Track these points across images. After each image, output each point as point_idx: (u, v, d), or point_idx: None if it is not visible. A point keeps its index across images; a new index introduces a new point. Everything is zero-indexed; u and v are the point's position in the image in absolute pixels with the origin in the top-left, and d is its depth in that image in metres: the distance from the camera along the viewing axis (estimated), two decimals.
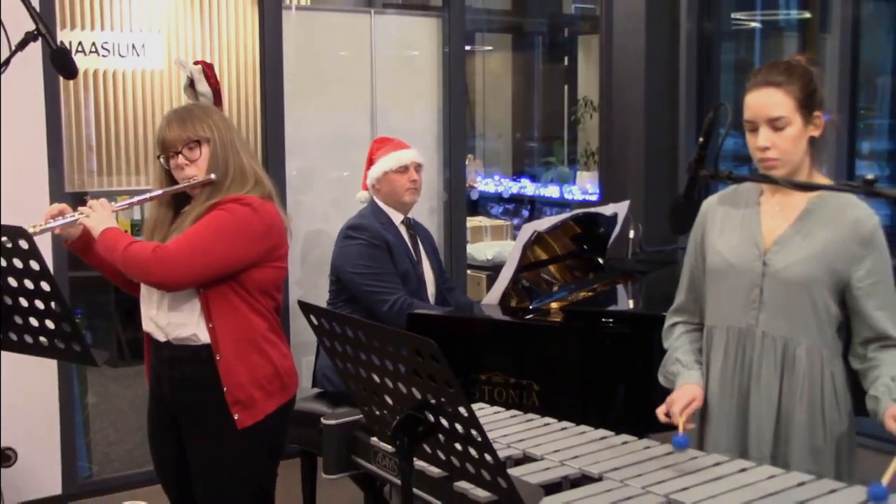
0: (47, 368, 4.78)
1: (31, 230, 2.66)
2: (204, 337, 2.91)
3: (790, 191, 2.57)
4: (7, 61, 2.78)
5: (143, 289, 3.00)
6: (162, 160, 2.98)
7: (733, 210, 2.68)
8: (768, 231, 2.60)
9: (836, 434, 2.56)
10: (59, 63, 2.86)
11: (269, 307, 3.00)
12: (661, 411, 2.60)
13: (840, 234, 2.51)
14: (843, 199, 2.54)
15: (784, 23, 7.92)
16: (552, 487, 2.25)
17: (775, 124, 2.49)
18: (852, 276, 2.50)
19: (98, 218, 2.88)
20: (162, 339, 2.98)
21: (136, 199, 3.04)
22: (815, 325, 2.54)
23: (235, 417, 2.92)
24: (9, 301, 2.37)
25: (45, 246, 4.09)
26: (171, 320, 2.94)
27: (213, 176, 2.91)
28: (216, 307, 2.89)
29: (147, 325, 3.02)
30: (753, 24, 7.82)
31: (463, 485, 2.21)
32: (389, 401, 2.03)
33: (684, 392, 2.63)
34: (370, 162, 4.38)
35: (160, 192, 2.99)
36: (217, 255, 2.84)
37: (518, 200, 9.76)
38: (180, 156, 2.93)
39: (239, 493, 2.99)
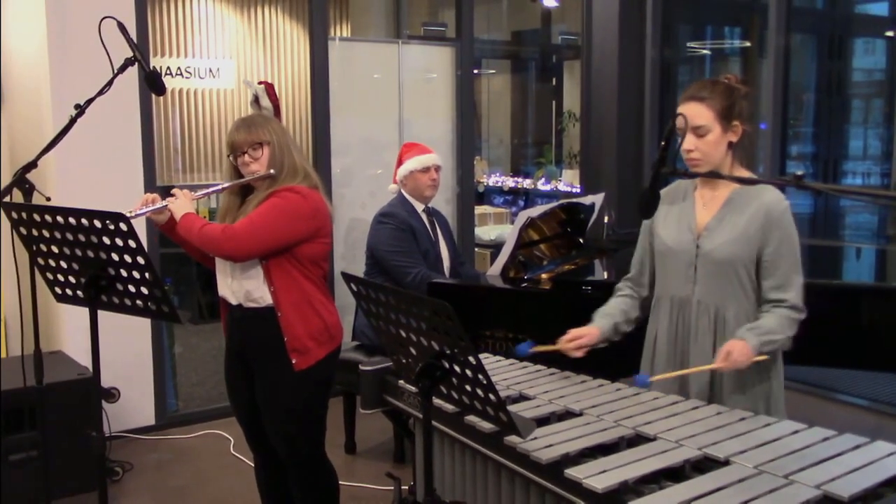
0: (143, 326, 4.81)
1: (128, 214, 2.66)
2: (268, 299, 2.91)
3: (716, 185, 2.56)
4: (110, 82, 2.78)
5: (218, 262, 2.99)
6: (231, 159, 2.97)
7: (673, 203, 2.65)
8: (700, 219, 2.57)
9: (765, 379, 2.53)
10: (151, 83, 2.85)
11: (318, 275, 3.00)
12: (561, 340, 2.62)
13: (756, 219, 2.48)
14: (758, 190, 2.51)
15: (729, 50, 7.87)
16: (542, 421, 2.25)
17: (698, 132, 2.47)
18: (763, 251, 2.48)
19: (179, 205, 2.87)
20: (234, 302, 2.98)
21: (211, 189, 3.03)
22: (741, 293, 2.51)
23: (293, 362, 2.92)
24: (112, 272, 2.37)
25: (140, 228, 4.10)
26: (242, 286, 2.93)
27: (272, 171, 2.91)
28: (276, 275, 2.89)
29: (222, 291, 3.02)
30: (704, 52, 7.77)
31: (472, 418, 2.21)
32: (413, 351, 2.02)
33: (582, 329, 2.64)
34: (400, 161, 4.37)
35: (230, 184, 2.99)
36: (274, 232, 2.83)
37: (515, 192, 9.75)
38: (246, 155, 2.92)
39: (296, 420, 2.99)
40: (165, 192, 3.00)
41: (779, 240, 2.46)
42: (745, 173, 2.58)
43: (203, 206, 6.73)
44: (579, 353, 2.61)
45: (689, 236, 2.56)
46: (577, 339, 2.61)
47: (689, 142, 2.48)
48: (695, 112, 2.48)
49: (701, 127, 2.47)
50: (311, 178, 2.98)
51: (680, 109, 2.50)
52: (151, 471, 4.42)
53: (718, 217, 2.54)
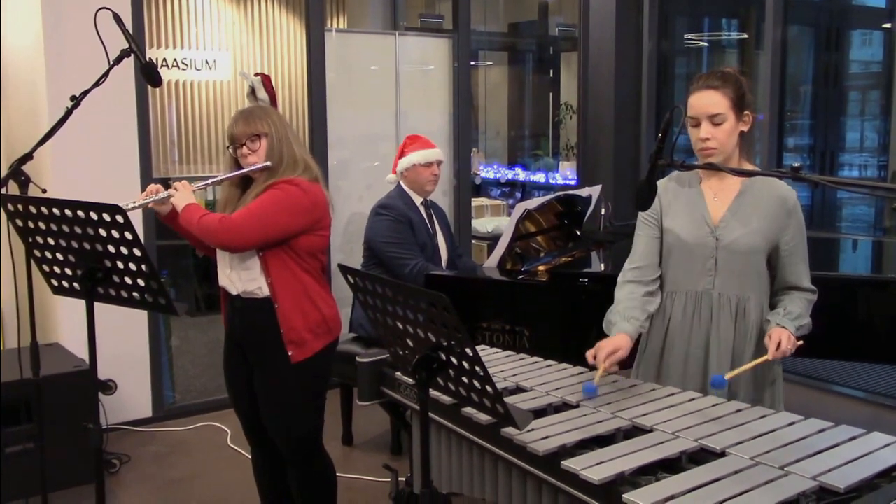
0: (140, 318, 4.81)
1: (131, 204, 2.67)
2: (265, 290, 2.91)
3: (724, 176, 2.56)
4: (106, 73, 2.77)
5: (218, 252, 3.00)
6: (230, 150, 2.97)
7: (680, 193, 2.63)
8: (713, 211, 2.57)
9: (772, 368, 2.56)
10: (148, 75, 2.84)
11: (316, 267, 2.99)
12: (589, 355, 2.40)
13: (772, 210, 2.51)
14: (769, 181, 2.53)
15: (726, 42, 7.86)
16: (539, 412, 2.25)
17: (714, 120, 2.47)
18: (780, 240, 2.52)
19: (181, 196, 2.88)
20: (234, 292, 2.98)
21: (210, 181, 3.04)
22: (759, 283, 2.54)
23: (290, 354, 2.92)
24: (109, 264, 2.37)
25: (136, 220, 4.10)
26: (241, 276, 2.93)
27: (269, 163, 2.90)
28: (273, 266, 2.89)
29: (223, 281, 3.02)
30: (702, 44, 7.76)
31: (469, 410, 2.21)
32: (410, 343, 2.02)
33: (612, 341, 2.42)
34: (401, 153, 4.35)
35: (226, 175, 2.98)
36: (271, 224, 2.83)
37: (512, 185, 9.73)
38: (245, 147, 2.92)
39: (293, 412, 2.99)
40: (162, 184, 3.00)
41: (795, 230, 2.52)
42: (750, 165, 2.59)
43: (200, 198, 6.72)
44: (617, 368, 2.44)
45: (706, 229, 2.55)
46: (612, 356, 2.39)
47: (705, 130, 2.48)
48: (711, 100, 2.47)
49: (718, 115, 2.47)
50: (311, 170, 2.98)
51: (694, 98, 2.50)
52: (148, 463, 4.41)
53: (733, 209, 2.55)
